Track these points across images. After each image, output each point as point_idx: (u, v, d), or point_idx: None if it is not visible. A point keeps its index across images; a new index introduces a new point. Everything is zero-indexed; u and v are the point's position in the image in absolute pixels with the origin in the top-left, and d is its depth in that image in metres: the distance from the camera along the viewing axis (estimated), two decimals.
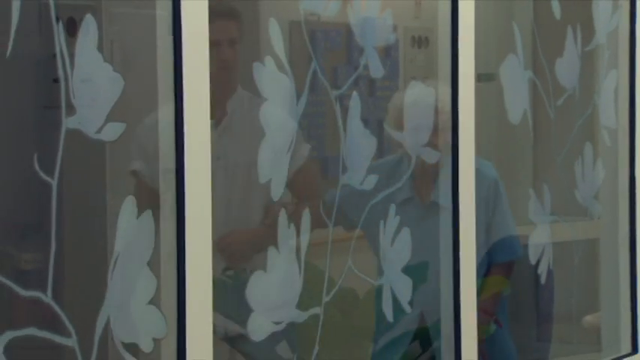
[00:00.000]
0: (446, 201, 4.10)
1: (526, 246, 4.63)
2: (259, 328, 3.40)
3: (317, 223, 3.66)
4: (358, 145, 3.74)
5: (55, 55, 2.83)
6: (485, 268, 3.88)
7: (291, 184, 3.60)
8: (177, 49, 3.03)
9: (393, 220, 3.85)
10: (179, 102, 3.03)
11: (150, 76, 3.05)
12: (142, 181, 3.25)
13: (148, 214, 2.99)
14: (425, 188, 4.35)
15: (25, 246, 2.90)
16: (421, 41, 4.20)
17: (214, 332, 3.16)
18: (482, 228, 3.93)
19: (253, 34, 3.53)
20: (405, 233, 3.91)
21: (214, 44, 3.06)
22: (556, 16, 4.63)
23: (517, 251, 4.08)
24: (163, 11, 3.03)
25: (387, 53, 3.88)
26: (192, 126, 3.05)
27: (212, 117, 3.21)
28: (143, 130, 3.27)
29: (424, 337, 4.23)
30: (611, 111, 4.91)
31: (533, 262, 4.62)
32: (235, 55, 3.14)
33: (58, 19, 2.76)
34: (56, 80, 2.91)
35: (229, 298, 3.38)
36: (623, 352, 4.95)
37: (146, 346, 2.97)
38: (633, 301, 4.97)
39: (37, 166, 2.78)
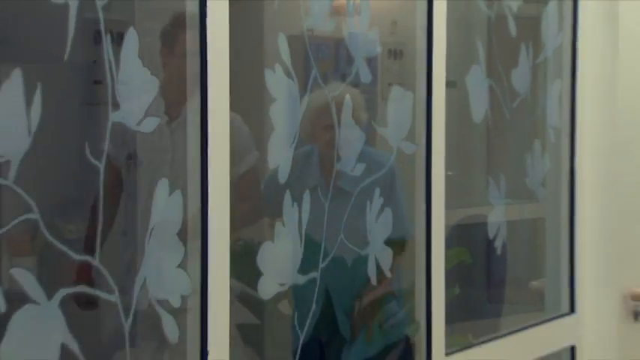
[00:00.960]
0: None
1: (485, 224, 4.63)
2: (267, 288, 3.43)
3: (316, 203, 3.68)
4: (349, 138, 3.74)
5: (95, 61, 2.84)
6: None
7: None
8: (203, 57, 3.04)
9: (377, 200, 3.87)
10: (204, 96, 3.05)
11: (179, 78, 3.06)
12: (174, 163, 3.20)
13: (177, 193, 3.01)
14: None
15: (77, 219, 2.88)
16: (396, 53, 4.19)
17: (230, 292, 3.18)
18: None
19: (265, 45, 3.51)
20: (387, 212, 3.92)
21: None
22: (512, 34, 4.65)
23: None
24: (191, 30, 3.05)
25: (370, 63, 3.88)
26: (215, 117, 3.08)
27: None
28: None
29: (401, 296, 4.18)
30: (555, 113, 4.93)
31: (490, 236, 4.63)
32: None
33: (106, 32, 2.77)
34: (97, 82, 2.92)
35: (243, 264, 3.37)
36: (563, 312, 4.97)
37: (175, 301, 2.99)
38: (571, 270, 4.98)
39: (87, 153, 2.79)
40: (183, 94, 3.07)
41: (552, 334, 4.92)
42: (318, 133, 3.85)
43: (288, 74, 3.45)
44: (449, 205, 4.17)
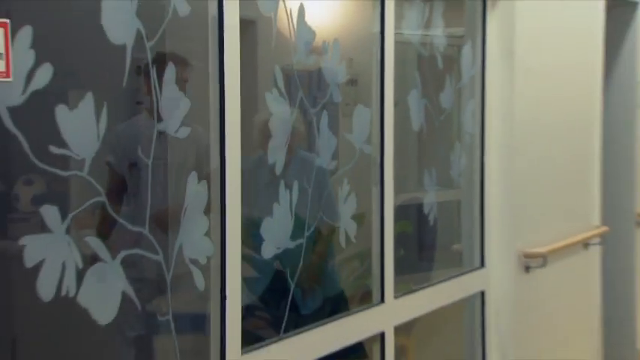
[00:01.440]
0: None
1: (422, 204, 4.63)
2: (267, 250, 3.41)
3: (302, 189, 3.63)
4: (326, 141, 3.73)
5: (138, 89, 2.83)
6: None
7: None
8: (221, 84, 3.03)
9: (345, 186, 3.86)
10: (222, 110, 3.04)
11: (203, 100, 3.04)
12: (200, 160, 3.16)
13: (203, 182, 3.01)
14: None
15: (132, 201, 2.87)
16: (353, 82, 4.17)
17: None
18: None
19: (266, 75, 3.48)
20: (353, 195, 3.92)
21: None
22: (440, 68, 4.66)
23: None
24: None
25: (338, 88, 3.89)
26: (230, 119, 3.06)
27: None
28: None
29: (362, 256, 4.15)
30: (470, 123, 4.94)
31: (426, 212, 4.64)
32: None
33: (152, 65, 2.75)
34: (139, 102, 2.91)
35: (250, 233, 3.36)
36: (475, 266, 4.99)
37: (202, 260, 3.00)
38: (481, 236, 5.01)
39: (139, 152, 2.78)
40: (206, 109, 3.06)
41: (468, 283, 4.93)
42: (299, 139, 3.83)
43: (281, 95, 3.43)
44: (396, 191, 4.16)
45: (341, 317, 3.81)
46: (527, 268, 5.12)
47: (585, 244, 5.91)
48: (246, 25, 3.29)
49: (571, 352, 5.79)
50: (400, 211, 4.32)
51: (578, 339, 5.96)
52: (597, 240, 6.05)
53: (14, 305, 2.67)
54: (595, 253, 6.13)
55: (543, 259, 5.12)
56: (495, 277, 5.04)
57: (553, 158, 5.48)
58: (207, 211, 3.02)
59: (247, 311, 3.30)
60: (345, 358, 3.62)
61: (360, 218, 3.98)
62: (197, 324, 3.13)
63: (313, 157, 3.74)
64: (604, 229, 6.10)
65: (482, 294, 5.01)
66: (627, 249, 6.58)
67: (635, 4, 6.62)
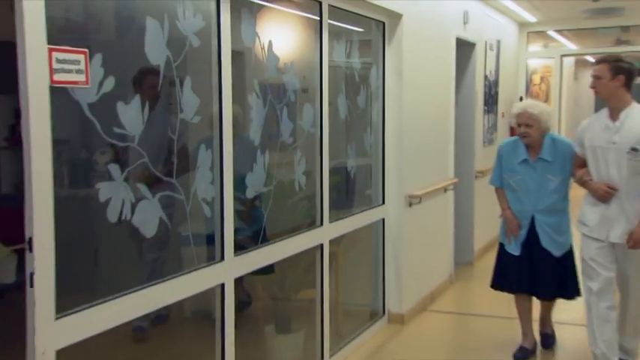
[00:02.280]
0: None
1: (346, 167, 4.56)
2: (249, 193, 3.40)
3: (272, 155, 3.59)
4: (286, 126, 3.71)
5: (169, 93, 2.80)
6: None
7: None
8: (219, 90, 3.01)
9: (299, 153, 3.83)
10: (220, 106, 3.01)
11: (208, 99, 3.02)
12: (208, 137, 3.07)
13: (209, 151, 2.97)
14: None
15: (165, 162, 2.83)
16: (304, 90, 4.05)
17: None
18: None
19: (249, 84, 3.43)
20: (303, 159, 3.88)
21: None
22: (357, 81, 4.61)
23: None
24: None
25: (294, 94, 3.83)
26: (225, 111, 3.02)
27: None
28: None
29: (311, 198, 4.07)
30: (376, 116, 4.89)
31: (349, 171, 4.60)
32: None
33: (177, 78, 2.73)
34: (170, 103, 2.87)
35: (239, 183, 3.30)
36: (379, 203, 4.92)
37: (209, 199, 2.97)
38: (383, 185, 4.94)
39: (169, 132, 2.77)
40: (210, 105, 3.03)
41: (375, 213, 4.86)
42: (270, 124, 3.71)
43: (258, 97, 3.41)
44: (330, 157, 4.12)
45: (296, 234, 3.78)
46: (410, 204, 5.09)
47: (445, 189, 5.89)
48: (237, 54, 3.25)
49: (435, 255, 5.81)
50: (333, 170, 4.27)
51: (440, 247, 5.97)
52: (452, 187, 6.06)
53: (94, 225, 2.66)
54: (450, 195, 6.13)
55: (419, 199, 5.11)
56: (391, 210, 4.99)
57: (425, 137, 5.45)
58: (212, 168, 2.99)
59: (237, 231, 3.26)
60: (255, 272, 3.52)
61: (308, 174, 3.95)
62: (206, 239, 3.09)
63: (279, 135, 3.67)
64: (455, 180, 6.10)
65: (383, 220, 4.96)
66: (469, 193, 6.60)
67: (474, 44, 6.66)
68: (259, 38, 3.44)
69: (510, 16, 8.14)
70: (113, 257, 2.81)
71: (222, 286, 3.05)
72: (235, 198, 3.18)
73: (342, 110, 4.41)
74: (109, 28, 2.72)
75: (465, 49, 6.47)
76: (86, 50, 2.21)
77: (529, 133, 3.99)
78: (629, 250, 3.64)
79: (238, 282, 3.27)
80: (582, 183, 3.80)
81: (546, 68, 9.41)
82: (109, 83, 2.31)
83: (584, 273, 3.82)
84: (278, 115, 3.62)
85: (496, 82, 7.62)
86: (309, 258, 4.05)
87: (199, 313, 4.08)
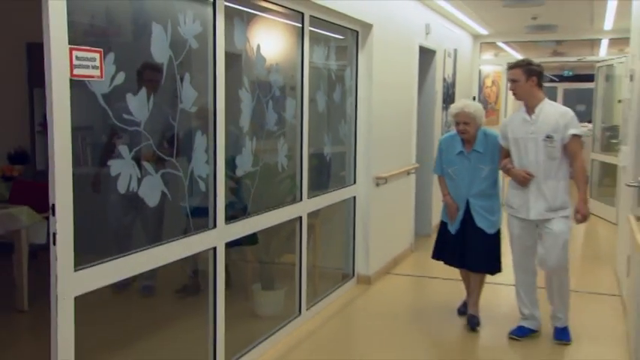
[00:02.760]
0: None
1: (324, 153, 4.57)
2: (239, 172, 3.42)
3: (259, 140, 3.59)
4: (272, 116, 3.71)
5: (171, 86, 2.81)
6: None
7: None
8: (214, 86, 3.03)
9: (282, 140, 3.84)
10: (214, 98, 3.04)
11: (204, 92, 3.04)
12: (204, 123, 3.05)
13: (205, 135, 2.99)
14: None
15: (167, 145, 2.81)
16: (292, 88, 4.03)
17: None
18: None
19: (239, 81, 3.40)
20: (286, 145, 3.87)
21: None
22: (334, 79, 4.62)
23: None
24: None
25: (280, 90, 3.84)
26: (218, 103, 3.05)
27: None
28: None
29: (293, 177, 4.09)
30: (349, 110, 4.89)
31: (326, 156, 4.60)
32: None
33: (178, 74, 2.75)
34: (176, 96, 2.88)
35: (230, 163, 3.32)
36: (351, 183, 4.93)
37: (204, 176, 2.99)
38: (354, 168, 4.95)
39: (170, 119, 2.79)
40: (205, 97, 3.04)
41: (347, 192, 4.87)
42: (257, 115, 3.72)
43: (247, 91, 3.41)
44: (310, 144, 4.13)
45: (278, 208, 3.79)
46: (377, 184, 5.10)
47: (407, 173, 5.91)
48: (230, 55, 3.24)
49: (398, 227, 5.85)
50: (312, 155, 4.28)
51: (402, 221, 6.00)
52: (413, 171, 6.07)
53: (107, 195, 2.68)
54: (412, 177, 6.15)
55: (385, 180, 5.14)
56: (361, 189, 5.01)
57: (391, 128, 5.46)
58: (207, 150, 3.01)
59: (229, 205, 3.28)
60: (242, 244, 3.54)
61: (289, 157, 3.96)
62: (202, 211, 3.08)
63: (265, 124, 3.67)
64: (417, 165, 6.13)
65: (355, 197, 4.99)
66: (428, 176, 6.50)
67: (434, 51, 6.68)
68: (249, 42, 3.46)
69: (466, 29, 8.18)
70: (123, 222, 2.81)
71: (215, 249, 3.09)
72: (227, 175, 3.19)
73: (320, 104, 4.41)
74: (121, 32, 2.73)
75: (426, 55, 6.50)
76: (101, 50, 2.25)
77: (467, 130, 3.95)
78: (545, 229, 3.67)
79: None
80: (506, 170, 3.81)
81: (497, 73, 9.46)
82: (120, 77, 2.34)
83: (510, 246, 3.90)
84: (264, 108, 3.63)
85: (453, 84, 7.67)
86: (290, 228, 4.08)
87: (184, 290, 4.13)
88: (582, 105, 14.63)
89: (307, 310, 4.20)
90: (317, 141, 4.50)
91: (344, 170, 5.02)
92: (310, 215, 4.22)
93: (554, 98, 17.12)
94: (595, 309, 4.57)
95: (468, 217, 4.03)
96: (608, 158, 8.02)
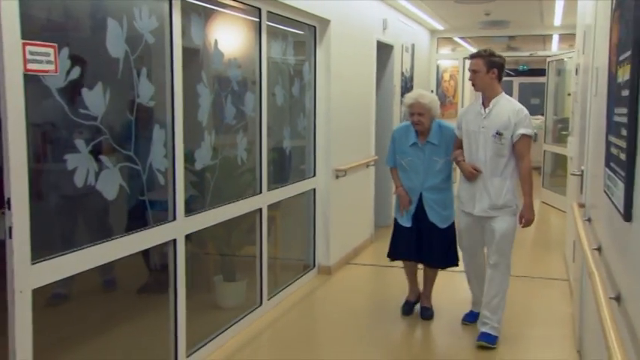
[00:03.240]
0: None
1: (283, 146, 4.58)
2: (198, 165, 3.41)
3: (219, 133, 3.60)
4: (230, 110, 3.71)
5: (127, 81, 2.78)
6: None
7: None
8: (172, 83, 3.04)
9: (241, 133, 3.83)
10: (172, 92, 3.04)
11: (161, 87, 3.03)
12: (162, 117, 3.06)
13: (162, 129, 2.99)
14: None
15: (125, 138, 2.79)
16: (253, 82, 4.02)
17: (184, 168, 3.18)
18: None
19: (197, 75, 3.39)
20: (245, 139, 3.89)
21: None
22: (292, 74, 4.64)
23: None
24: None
25: (237, 84, 3.85)
26: (176, 97, 3.05)
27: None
28: None
29: (253, 170, 4.11)
30: (308, 104, 4.91)
31: (285, 149, 4.62)
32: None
33: (135, 68, 2.74)
34: (132, 90, 2.86)
35: (189, 156, 3.32)
36: (311, 175, 4.96)
37: (162, 169, 2.99)
38: (314, 161, 4.98)
39: (127, 112, 2.76)
40: (163, 91, 3.03)
41: (307, 184, 4.92)
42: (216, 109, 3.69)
43: (205, 86, 3.41)
44: (269, 137, 4.15)
45: (238, 200, 3.81)
46: (337, 177, 5.16)
47: (367, 165, 5.97)
48: (191, 51, 3.27)
49: (358, 218, 5.92)
50: (272, 149, 4.31)
51: (362, 212, 6.07)
52: (373, 163, 6.14)
53: (64, 189, 2.66)
54: (371, 169, 6.21)
55: (345, 172, 5.20)
56: (321, 181, 5.06)
57: (350, 121, 5.51)
58: (165, 144, 3.01)
59: (190, 198, 3.28)
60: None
61: (249, 150, 3.97)
62: (161, 204, 3.07)
63: (223, 118, 3.67)
64: (376, 157, 6.18)
65: (315, 190, 5.03)
66: (387, 168, 6.40)
67: (392, 46, 6.77)
68: (207, 37, 3.47)
69: (423, 24, 8.30)
70: (81, 216, 2.80)
71: (175, 241, 3.11)
72: (186, 169, 3.20)
73: (279, 99, 4.43)
74: (75, 27, 2.71)
75: (384, 50, 6.59)
76: (55, 45, 2.25)
77: (421, 121, 3.84)
78: (488, 226, 3.59)
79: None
80: (457, 163, 3.74)
81: (455, 68, 9.61)
82: (75, 72, 2.35)
83: (458, 239, 3.90)
84: (223, 102, 3.64)
85: (411, 78, 7.79)
86: (251, 220, 4.11)
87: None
88: (537, 99, 14.98)
89: (268, 300, 4.24)
90: (276, 134, 4.52)
91: (304, 163, 5.05)
92: (271, 207, 4.24)
93: (509, 92, 17.54)
94: (545, 293, 4.74)
95: (420, 211, 3.96)
96: (559, 149, 8.26)
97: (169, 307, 3.16)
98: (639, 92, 1.64)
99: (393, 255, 4.18)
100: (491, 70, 3.54)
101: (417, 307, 4.25)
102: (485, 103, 3.60)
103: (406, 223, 4.01)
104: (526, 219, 3.55)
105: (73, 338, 3.10)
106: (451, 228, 3.97)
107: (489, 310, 3.61)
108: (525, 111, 3.54)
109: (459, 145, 3.76)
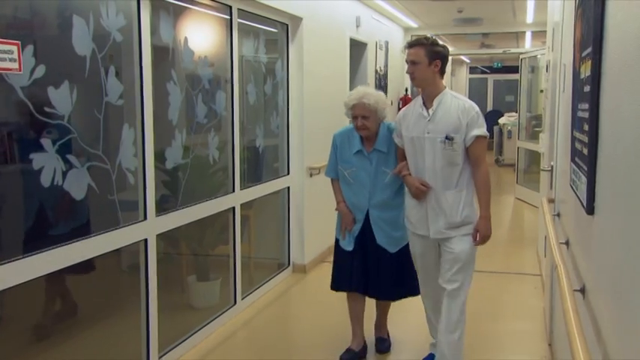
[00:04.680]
0: None
1: (255, 145, 4.57)
2: (169, 164, 3.38)
3: (189, 132, 3.57)
4: (201, 109, 3.70)
5: (95, 80, 2.75)
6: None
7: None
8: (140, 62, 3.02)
9: (212, 132, 3.81)
10: (141, 92, 3.02)
11: (130, 85, 3.01)
12: (131, 115, 3.06)
13: (132, 128, 2.97)
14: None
15: (93, 137, 2.76)
16: (225, 80, 4.04)
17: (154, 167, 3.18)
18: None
19: (167, 73, 3.36)
20: (217, 137, 3.87)
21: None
22: (264, 72, 4.62)
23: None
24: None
25: (209, 83, 3.84)
26: (145, 95, 3.03)
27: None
28: None
29: (225, 169, 4.07)
30: (281, 102, 4.90)
31: (258, 148, 4.62)
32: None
33: (102, 67, 2.72)
34: (101, 89, 2.84)
35: (160, 155, 3.30)
36: (285, 174, 4.96)
37: (132, 169, 2.98)
38: (288, 159, 4.98)
39: (95, 111, 2.74)
40: (132, 90, 3.03)
41: (281, 182, 4.92)
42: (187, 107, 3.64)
43: (175, 85, 3.38)
44: (241, 136, 4.14)
45: (210, 199, 3.80)
46: (311, 175, 5.16)
47: None
48: (160, 49, 3.25)
49: (332, 216, 5.85)
50: (244, 147, 4.29)
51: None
52: None
53: (31, 188, 2.63)
54: None
55: (319, 170, 5.15)
56: (295, 179, 5.06)
57: (324, 119, 5.49)
58: (134, 143, 3.00)
59: (161, 197, 3.26)
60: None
61: (221, 149, 3.95)
62: (130, 204, 3.04)
63: (194, 116, 3.63)
64: None
65: (289, 188, 5.04)
66: None
67: (366, 44, 6.81)
68: (177, 35, 3.45)
69: (397, 22, 8.37)
70: (48, 216, 2.78)
71: (146, 241, 3.10)
72: (157, 168, 3.18)
73: (251, 97, 4.43)
74: (40, 24, 2.68)
75: (358, 47, 6.63)
76: (18, 42, 2.22)
77: (366, 126, 3.17)
78: (446, 248, 2.99)
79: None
80: (403, 177, 3.08)
81: None
82: (40, 70, 2.32)
83: (415, 266, 3.22)
84: (194, 101, 3.63)
85: (385, 76, 7.85)
86: (224, 219, 4.10)
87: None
88: (511, 96, 15.22)
89: (242, 299, 4.24)
90: (249, 133, 4.50)
91: (277, 161, 5.04)
92: (244, 206, 4.24)
93: (484, 90, 17.91)
94: (518, 288, 4.82)
95: (367, 232, 3.27)
96: (533, 146, 8.39)
97: (141, 308, 3.15)
98: (600, 88, 1.69)
99: (336, 285, 3.45)
100: (433, 61, 2.91)
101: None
102: (427, 103, 2.97)
103: (348, 246, 3.33)
104: (481, 235, 2.94)
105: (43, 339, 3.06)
106: (404, 252, 3.27)
107: (448, 348, 2.99)
108: (476, 108, 2.95)
109: (403, 155, 3.11)
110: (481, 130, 2.91)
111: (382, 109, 3.21)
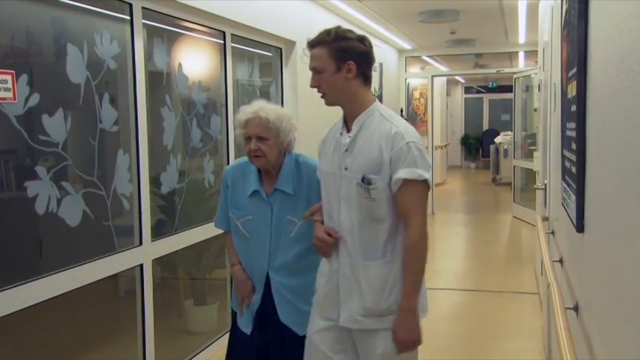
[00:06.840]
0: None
1: None
2: (164, 189, 3.40)
3: (183, 157, 3.60)
4: (196, 133, 3.72)
5: (89, 107, 2.78)
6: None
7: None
8: (134, 80, 3.05)
9: (207, 156, 3.83)
10: (135, 116, 3.04)
11: (125, 112, 3.03)
12: (126, 142, 3.09)
13: (127, 154, 2.99)
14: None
15: (87, 163, 2.79)
16: (221, 104, 4.08)
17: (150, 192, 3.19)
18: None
19: (162, 99, 3.40)
20: (212, 161, 3.90)
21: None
22: (258, 96, 4.64)
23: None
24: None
25: (204, 107, 3.87)
26: (140, 121, 3.06)
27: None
28: None
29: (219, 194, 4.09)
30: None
31: None
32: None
33: (97, 94, 2.74)
34: (95, 116, 2.85)
35: (155, 180, 3.32)
36: None
37: (127, 194, 2.98)
38: None
39: (89, 138, 2.76)
40: (127, 117, 3.04)
41: None
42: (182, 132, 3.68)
43: (170, 110, 3.42)
44: (236, 157, 4.16)
45: (206, 223, 3.68)
46: None
47: None
48: (156, 74, 3.28)
49: None
50: None
51: None
52: None
53: (25, 216, 2.65)
54: None
55: None
56: None
57: (318, 139, 5.51)
58: (129, 168, 3.02)
59: (157, 222, 3.27)
60: None
61: (216, 172, 3.95)
62: (126, 230, 3.04)
63: (190, 140, 3.65)
64: None
65: None
66: None
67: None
68: (171, 61, 3.49)
69: (390, 44, 8.46)
70: (44, 242, 2.78)
71: (142, 266, 3.10)
72: (152, 193, 3.19)
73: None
74: (35, 53, 2.72)
75: None
76: (13, 72, 2.25)
77: (263, 152, 2.19)
78: (364, 347, 1.99)
79: None
80: (314, 223, 2.12)
81: (424, 86, 9.76)
82: (35, 99, 2.35)
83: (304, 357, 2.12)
84: (188, 125, 3.65)
85: (380, 97, 7.90)
86: (220, 243, 4.07)
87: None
88: (507, 115, 15.32)
89: None
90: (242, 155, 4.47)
91: None
92: None
93: (480, 109, 18.05)
94: (516, 307, 4.79)
95: (268, 306, 2.28)
96: (528, 164, 8.43)
97: (137, 333, 3.14)
98: (585, 107, 1.72)
99: None
100: (344, 64, 1.95)
101: None
102: (348, 125, 2.05)
103: (245, 326, 2.35)
104: (399, 338, 1.91)
105: None
106: None
107: None
108: (410, 135, 1.93)
109: None
110: (412, 171, 1.88)
111: (286, 130, 2.26)
